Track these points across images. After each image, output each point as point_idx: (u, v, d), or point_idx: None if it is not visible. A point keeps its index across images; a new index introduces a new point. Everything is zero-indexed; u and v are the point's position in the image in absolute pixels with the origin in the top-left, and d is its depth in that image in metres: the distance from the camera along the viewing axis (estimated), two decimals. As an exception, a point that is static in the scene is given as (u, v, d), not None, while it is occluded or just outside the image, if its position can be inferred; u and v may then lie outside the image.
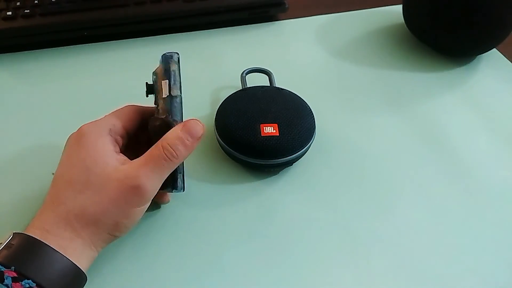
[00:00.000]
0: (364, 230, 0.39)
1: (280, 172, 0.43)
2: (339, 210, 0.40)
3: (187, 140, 0.33)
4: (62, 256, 0.30)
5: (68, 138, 0.35)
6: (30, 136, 0.45)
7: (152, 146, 0.33)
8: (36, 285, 0.28)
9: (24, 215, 0.38)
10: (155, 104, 0.36)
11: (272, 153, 0.40)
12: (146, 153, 0.33)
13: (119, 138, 0.35)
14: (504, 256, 0.38)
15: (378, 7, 0.65)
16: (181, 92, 0.36)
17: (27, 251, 0.29)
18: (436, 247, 0.38)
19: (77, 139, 0.34)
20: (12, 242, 0.29)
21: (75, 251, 0.31)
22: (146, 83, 0.37)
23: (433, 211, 0.41)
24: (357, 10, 0.65)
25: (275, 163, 0.41)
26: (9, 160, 0.43)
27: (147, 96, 0.37)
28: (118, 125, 0.35)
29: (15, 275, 0.27)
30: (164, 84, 0.35)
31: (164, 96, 0.35)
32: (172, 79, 0.35)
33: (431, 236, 0.39)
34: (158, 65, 0.37)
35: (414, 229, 0.39)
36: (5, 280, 0.27)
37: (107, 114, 0.36)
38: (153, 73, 0.37)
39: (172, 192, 0.36)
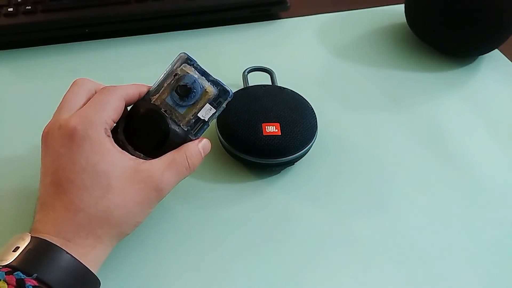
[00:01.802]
0: (365, 229, 0.39)
1: (282, 172, 0.43)
2: (341, 210, 0.40)
3: (202, 155, 0.35)
4: (82, 265, 0.29)
5: (52, 136, 0.32)
6: (31, 134, 0.45)
7: (174, 152, 0.34)
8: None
9: (24, 214, 0.38)
10: (158, 88, 0.35)
11: (274, 153, 0.40)
12: (168, 156, 0.34)
13: (109, 133, 0.34)
14: (505, 256, 0.38)
15: (380, 6, 0.65)
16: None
17: (48, 258, 0.28)
18: (436, 247, 0.38)
19: (74, 140, 0.31)
20: (30, 247, 0.28)
21: (96, 257, 0.31)
22: (185, 85, 0.35)
23: (434, 211, 0.41)
24: (359, 9, 0.65)
25: (277, 162, 0.41)
26: (9, 158, 0.43)
27: (175, 91, 0.35)
28: (110, 122, 0.33)
29: (36, 284, 0.27)
30: (208, 109, 0.35)
31: (200, 116, 0.35)
32: (218, 112, 0.35)
33: (431, 236, 0.39)
34: (184, 66, 0.35)
35: (415, 229, 0.39)
36: None
37: (95, 103, 0.33)
38: (180, 69, 0.35)
39: None
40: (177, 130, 0.35)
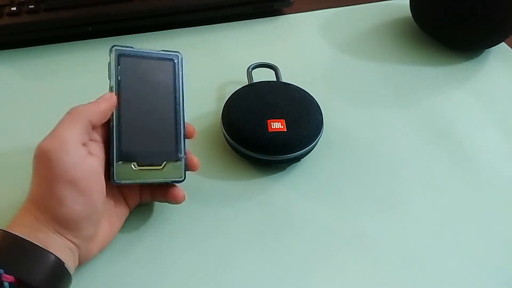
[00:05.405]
0: (372, 225, 0.39)
1: (288, 168, 0.43)
2: (347, 206, 0.40)
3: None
4: (48, 253, 0.29)
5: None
6: (34, 133, 0.45)
7: None
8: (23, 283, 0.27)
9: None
10: None
11: (280, 149, 0.40)
12: None
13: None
14: (514, 252, 0.37)
15: (385, 0, 0.65)
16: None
17: (7, 248, 0.29)
18: (443, 242, 0.38)
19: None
20: None
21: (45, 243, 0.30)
22: None
23: (441, 206, 0.40)
24: (363, 4, 0.64)
25: (283, 159, 0.40)
26: (12, 157, 0.43)
27: None
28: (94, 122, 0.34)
29: (14, 280, 0.27)
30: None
31: None
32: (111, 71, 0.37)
33: (438, 231, 0.39)
34: None
35: (422, 224, 0.39)
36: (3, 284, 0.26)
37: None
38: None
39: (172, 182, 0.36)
40: None
